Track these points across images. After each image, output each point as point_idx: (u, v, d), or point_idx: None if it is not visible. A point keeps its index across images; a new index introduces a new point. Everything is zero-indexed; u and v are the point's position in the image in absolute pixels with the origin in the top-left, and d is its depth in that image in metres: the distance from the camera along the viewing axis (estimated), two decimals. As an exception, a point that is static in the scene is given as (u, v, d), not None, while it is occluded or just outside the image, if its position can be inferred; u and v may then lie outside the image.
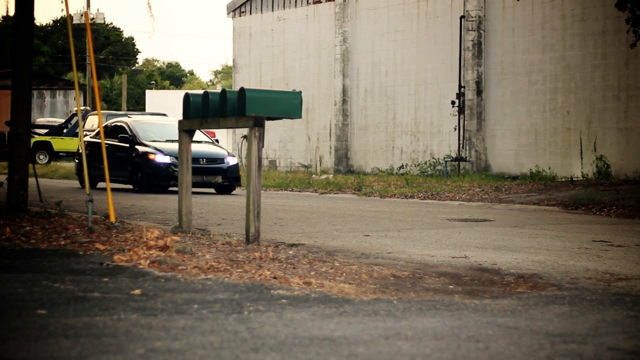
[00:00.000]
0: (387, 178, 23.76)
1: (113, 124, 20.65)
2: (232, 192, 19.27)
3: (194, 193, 15.38)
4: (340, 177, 24.83)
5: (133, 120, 20.60)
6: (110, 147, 19.63)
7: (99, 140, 19.16)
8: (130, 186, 19.75)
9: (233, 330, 4.18)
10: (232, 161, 19.32)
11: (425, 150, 26.41)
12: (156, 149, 18.97)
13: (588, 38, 22.35)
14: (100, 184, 20.30)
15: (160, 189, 18.83)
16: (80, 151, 16.50)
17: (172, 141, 19.05)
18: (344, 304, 5.03)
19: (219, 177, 18.95)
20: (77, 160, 21.72)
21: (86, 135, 21.88)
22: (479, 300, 5.37)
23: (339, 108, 28.82)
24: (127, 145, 19.44)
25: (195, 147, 18.27)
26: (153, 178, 18.73)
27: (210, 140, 20.58)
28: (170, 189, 19.06)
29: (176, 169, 17.87)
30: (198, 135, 20.06)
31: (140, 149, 19.09)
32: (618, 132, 21.73)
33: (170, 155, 18.58)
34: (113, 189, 16.93)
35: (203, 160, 18.82)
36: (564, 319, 4.82)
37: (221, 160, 19.25)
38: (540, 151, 23.31)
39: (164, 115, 35.92)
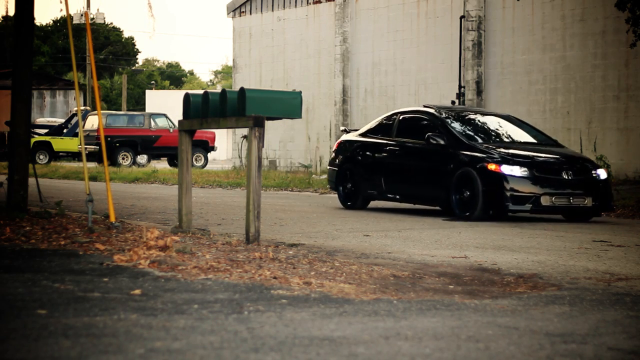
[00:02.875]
0: (387, 178, 23.72)
1: (403, 117, 14.22)
2: (591, 219, 13.06)
3: (554, 222, 11.98)
4: (340, 177, 24.78)
5: (441, 111, 13.87)
6: (402, 151, 13.82)
7: (379, 140, 14.38)
8: (438, 207, 13.71)
9: (233, 330, 4.18)
10: (602, 174, 12.98)
11: (425, 150, 26.43)
12: (498, 155, 12.60)
13: (588, 38, 22.35)
14: (376, 204, 15.39)
15: (503, 214, 12.65)
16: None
17: (509, 143, 13.44)
18: (344, 304, 5.03)
19: (588, 199, 12.55)
20: (335, 169, 15.05)
21: (353, 131, 15.39)
22: (479, 300, 5.37)
23: (339, 108, 28.81)
24: (440, 149, 13.08)
25: (548, 153, 13.13)
26: (497, 199, 12.25)
27: (555, 141, 14.34)
28: (513, 214, 13.25)
29: (533, 186, 12.33)
30: (525, 134, 14.13)
31: (468, 154, 12.69)
32: (618, 132, 21.73)
33: (520, 165, 12.41)
34: (415, 211, 13.82)
35: (569, 174, 12.61)
36: (564, 319, 4.82)
37: (588, 172, 12.92)
38: (540, 151, 23.32)
39: (164, 115, 36.02)
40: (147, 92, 70.83)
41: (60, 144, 38.71)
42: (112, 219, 8.65)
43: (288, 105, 8.23)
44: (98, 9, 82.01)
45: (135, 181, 24.29)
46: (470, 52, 24.63)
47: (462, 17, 24.87)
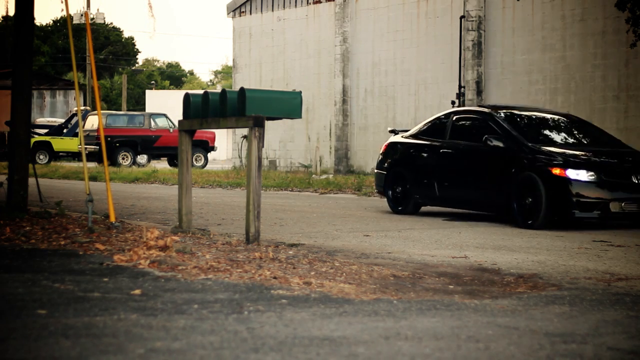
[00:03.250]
0: (387, 178, 23.71)
1: (456, 117, 13.28)
2: None
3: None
4: (340, 177, 24.83)
5: (498, 111, 12.88)
6: (456, 154, 12.91)
7: (431, 142, 13.49)
8: (492, 214, 12.88)
9: (233, 330, 4.18)
10: None
11: (425, 150, 26.41)
12: (562, 158, 11.41)
13: (588, 38, 22.35)
14: (428, 209, 14.25)
15: (568, 222, 11.56)
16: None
17: (571, 144, 12.42)
18: (344, 304, 5.03)
19: None
20: (383, 172, 14.18)
21: (402, 132, 14.54)
22: (479, 300, 5.37)
23: (339, 108, 28.81)
24: (498, 151, 12.00)
25: (614, 154, 12.02)
26: (563, 206, 11.14)
27: (619, 141, 13.26)
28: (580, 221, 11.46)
29: (601, 191, 11.15)
30: (587, 134, 13.04)
31: (529, 157, 11.60)
32: (618, 132, 21.72)
33: (586, 169, 11.25)
34: (468, 217, 12.54)
35: (639, 178, 11.38)
36: (564, 319, 4.82)
37: None
38: (540, 151, 23.32)
39: (164, 115, 36.02)
40: (147, 92, 70.81)
41: (60, 144, 38.71)
42: (112, 219, 8.65)
43: (288, 105, 8.23)
44: (98, 9, 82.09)
45: (135, 181, 24.29)
46: (470, 52, 24.63)
47: (462, 17, 24.87)
